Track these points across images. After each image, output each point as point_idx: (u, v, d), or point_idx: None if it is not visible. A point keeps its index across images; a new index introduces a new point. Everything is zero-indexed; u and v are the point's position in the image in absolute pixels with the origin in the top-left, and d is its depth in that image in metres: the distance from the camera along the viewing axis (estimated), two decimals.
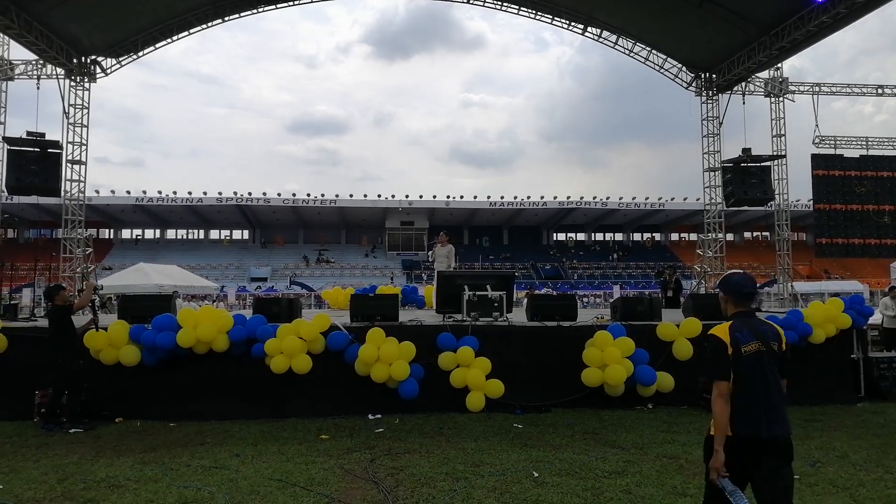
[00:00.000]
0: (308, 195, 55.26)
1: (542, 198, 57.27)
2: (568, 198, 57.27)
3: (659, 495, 5.20)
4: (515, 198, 57.25)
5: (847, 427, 7.81)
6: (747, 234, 65.59)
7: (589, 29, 21.75)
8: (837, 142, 23.38)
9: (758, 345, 3.45)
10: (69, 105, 19.51)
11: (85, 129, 19.69)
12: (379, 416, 8.44)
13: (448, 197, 56.82)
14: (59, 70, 19.56)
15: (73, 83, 19.66)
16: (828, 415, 8.51)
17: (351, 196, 56.60)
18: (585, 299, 43.78)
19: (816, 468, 5.96)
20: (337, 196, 55.68)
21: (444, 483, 5.57)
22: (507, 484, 5.52)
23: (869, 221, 22.10)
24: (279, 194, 55.55)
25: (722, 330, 3.49)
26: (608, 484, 5.49)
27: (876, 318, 13.09)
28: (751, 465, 3.41)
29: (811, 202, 23.53)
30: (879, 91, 24.08)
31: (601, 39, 21.98)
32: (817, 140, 23.08)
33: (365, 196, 57.11)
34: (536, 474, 5.78)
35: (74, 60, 19.50)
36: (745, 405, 3.42)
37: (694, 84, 22.38)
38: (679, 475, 5.76)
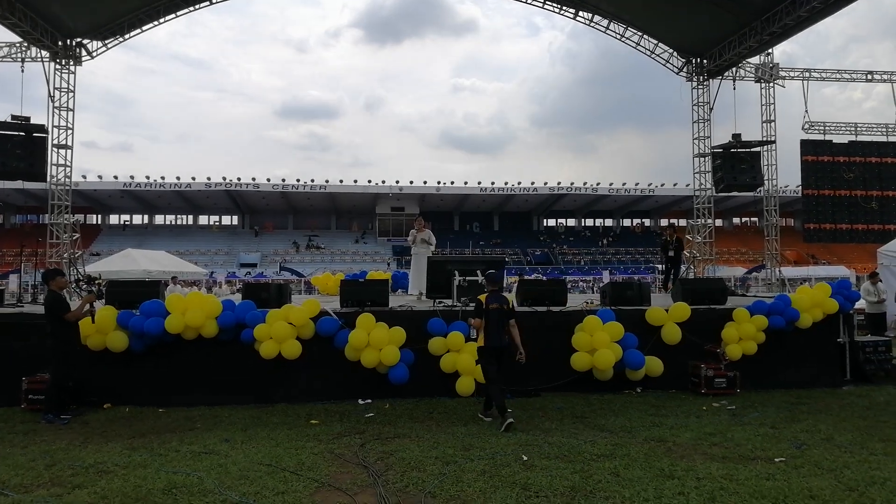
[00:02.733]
0: (298, 181, 54.93)
1: (532, 184, 57.25)
2: (559, 184, 57.27)
3: (647, 477, 5.24)
4: (506, 184, 57.19)
5: (833, 410, 7.90)
6: (736, 220, 65.89)
7: (580, 13, 21.60)
8: (827, 128, 23.42)
9: (497, 305, 7.28)
10: (54, 88, 19.22)
11: (71, 114, 19.41)
12: (369, 401, 8.46)
13: (439, 182, 56.67)
14: (43, 53, 19.23)
15: (58, 66, 19.35)
16: (814, 398, 8.61)
17: (341, 182, 56.36)
18: (575, 285, 43.90)
19: (802, 450, 6.03)
20: (327, 182, 55.41)
21: (434, 467, 5.59)
22: (497, 467, 5.54)
23: (857, 207, 22.23)
24: (268, 180, 55.16)
25: (483, 296, 7.39)
26: (596, 467, 5.53)
27: (862, 303, 13.23)
28: (495, 359, 7.28)
29: (800, 188, 23.63)
30: (869, 77, 24.11)
31: (592, 24, 21.86)
32: (807, 126, 23.09)
33: (355, 182, 56.91)
34: (525, 458, 5.81)
35: (59, 43, 19.17)
36: (490, 333, 7.22)
37: (685, 69, 22.33)
38: (667, 457, 5.81)
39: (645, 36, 22.01)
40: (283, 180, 55.33)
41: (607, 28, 21.85)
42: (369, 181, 56.69)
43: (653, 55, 22.26)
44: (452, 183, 57.13)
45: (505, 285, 11.59)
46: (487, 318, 7.23)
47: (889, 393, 9.02)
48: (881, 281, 13.74)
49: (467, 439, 6.51)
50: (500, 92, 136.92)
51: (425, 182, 56.53)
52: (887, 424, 7.11)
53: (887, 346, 10.70)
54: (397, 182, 56.23)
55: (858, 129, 23.75)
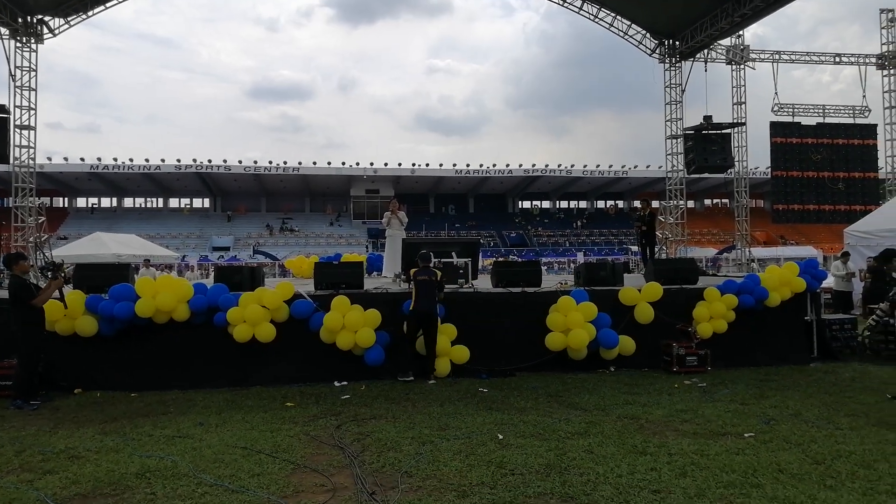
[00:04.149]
0: (270, 163, 54.29)
1: (507, 166, 57.33)
2: (533, 166, 57.44)
3: (620, 454, 5.31)
4: (481, 166, 57.19)
5: (800, 386, 8.09)
6: (707, 202, 66.80)
7: None
8: (796, 110, 23.75)
9: (425, 277, 8.41)
10: (15, 67, 18.63)
11: (33, 93, 18.84)
12: (345, 382, 8.44)
13: (413, 165, 56.42)
14: (2, 30, 18.61)
15: (18, 44, 18.73)
16: (782, 375, 8.80)
17: (315, 164, 55.77)
18: (550, 266, 44.21)
19: (771, 426, 6.17)
20: (300, 164, 54.77)
21: (410, 447, 5.60)
22: (473, 446, 5.58)
23: (824, 188, 22.70)
24: (240, 162, 54.29)
25: (413, 271, 8.57)
26: (571, 444, 5.60)
27: (829, 282, 13.56)
28: (421, 322, 8.42)
29: (769, 169, 23.99)
30: (837, 60, 24.48)
31: (566, 4, 21.78)
32: (776, 108, 23.40)
33: (329, 164, 56.38)
34: (501, 436, 5.86)
35: (19, 20, 18.55)
36: (418, 299, 8.31)
37: (658, 51, 22.41)
38: (639, 434, 5.90)
39: (618, 17, 22.01)
40: (256, 162, 54.71)
41: (581, 9, 21.81)
42: (343, 163, 56.31)
43: (626, 36, 22.29)
44: (427, 165, 56.99)
45: (480, 267, 11.68)
46: (416, 287, 8.41)
47: (854, 369, 9.25)
48: (850, 261, 14.28)
49: (443, 419, 6.54)
50: (476, 73, 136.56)
51: (400, 164, 56.31)
52: (853, 400, 7.30)
53: (853, 324, 10.97)
54: (372, 164, 55.90)
55: (826, 111, 24.12)
